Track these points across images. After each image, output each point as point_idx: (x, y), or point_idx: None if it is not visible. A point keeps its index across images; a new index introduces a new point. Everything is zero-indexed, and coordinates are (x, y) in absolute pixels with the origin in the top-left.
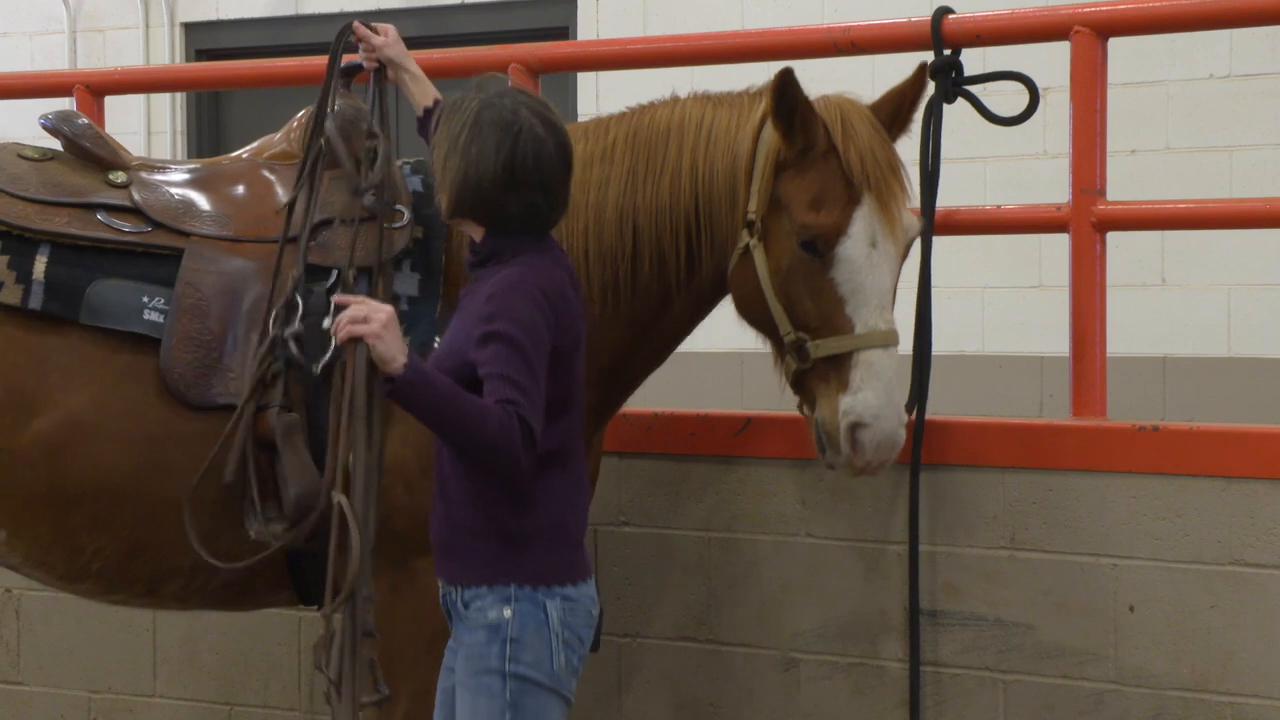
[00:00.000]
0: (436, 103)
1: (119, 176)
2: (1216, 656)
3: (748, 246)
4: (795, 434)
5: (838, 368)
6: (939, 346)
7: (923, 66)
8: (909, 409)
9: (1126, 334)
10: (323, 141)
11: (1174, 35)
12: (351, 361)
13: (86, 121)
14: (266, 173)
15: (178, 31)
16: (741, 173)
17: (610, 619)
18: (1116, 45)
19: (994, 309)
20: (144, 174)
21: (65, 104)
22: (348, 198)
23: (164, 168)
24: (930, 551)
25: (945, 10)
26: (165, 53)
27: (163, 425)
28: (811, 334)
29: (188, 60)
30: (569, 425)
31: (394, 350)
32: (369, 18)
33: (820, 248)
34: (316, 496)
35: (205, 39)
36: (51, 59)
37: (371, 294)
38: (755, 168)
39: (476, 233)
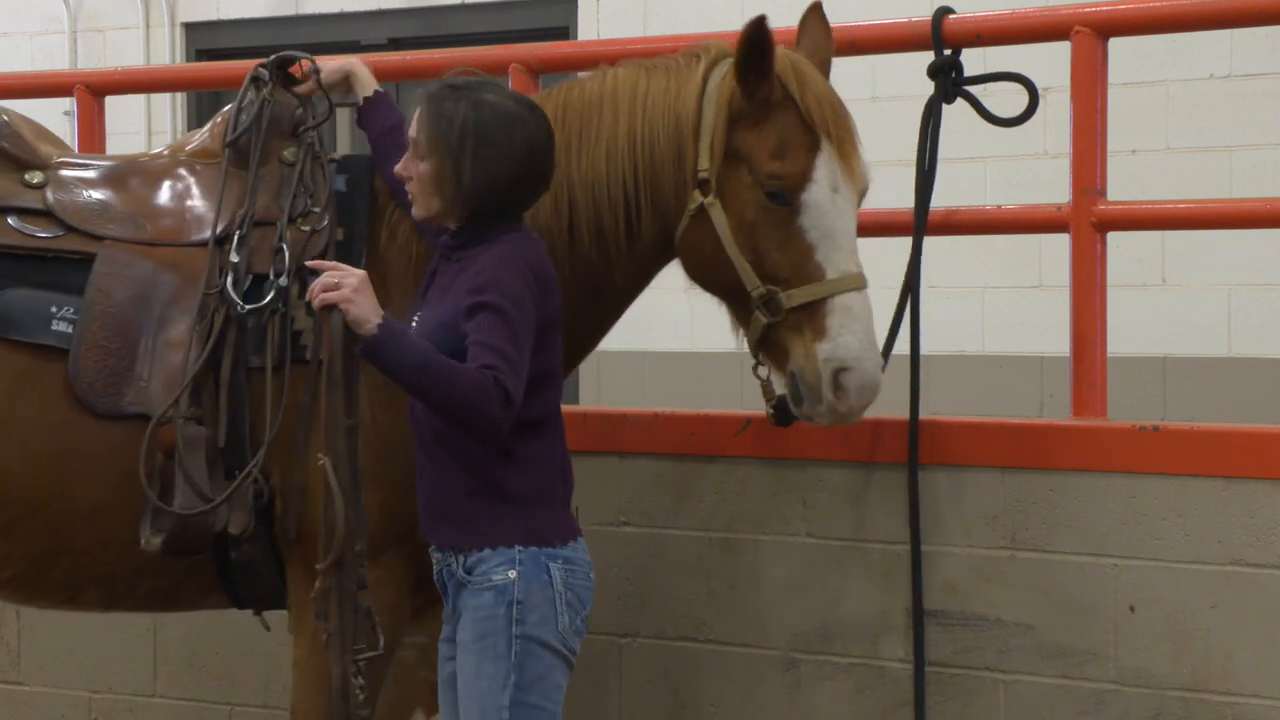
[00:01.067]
0: (377, 94)
1: (35, 177)
2: (1217, 657)
3: (702, 206)
4: (795, 434)
5: (811, 316)
6: (939, 346)
7: (814, 11)
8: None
9: (1127, 334)
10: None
11: (1174, 35)
12: (326, 329)
13: (5, 119)
14: (185, 171)
15: (178, 31)
16: (689, 132)
17: (610, 619)
18: (1116, 45)
19: (994, 309)
20: (62, 173)
21: (66, 104)
22: (270, 199)
23: (84, 165)
24: (930, 551)
25: (945, 10)
26: (165, 53)
27: (70, 434)
28: (781, 285)
29: (188, 60)
30: (553, 395)
31: (367, 312)
32: (369, 18)
33: (788, 196)
34: (201, 512)
35: (205, 39)
36: (52, 59)
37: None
38: (703, 125)
39: (455, 219)
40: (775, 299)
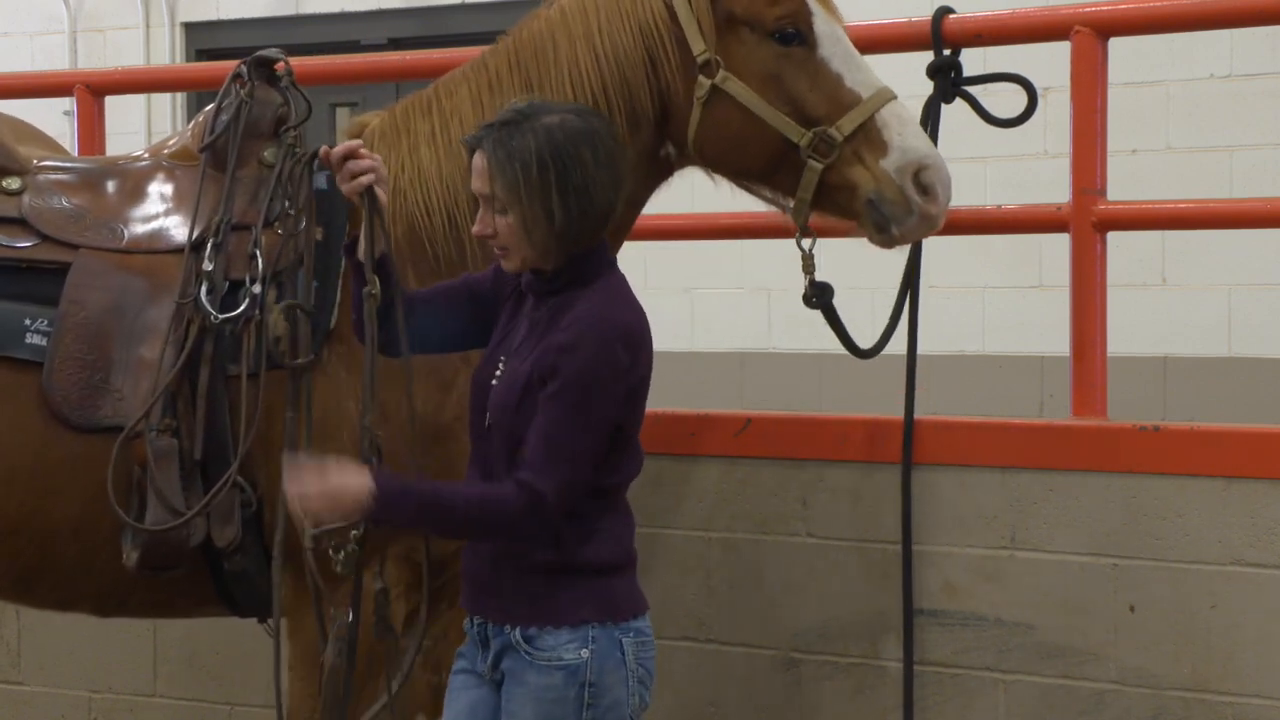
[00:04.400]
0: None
1: (13, 183)
2: (1217, 656)
3: (713, 87)
4: (795, 434)
5: (866, 138)
6: (939, 346)
7: None
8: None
9: (1127, 334)
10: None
11: (1174, 35)
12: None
13: None
14: (163, 175)
15: (178, 31)
16: (662, 29)
17: None
18: (1117, 45)
19: (994, 309)
20: (41, 177)
21: (66, 104)
22: (247, 203)
23: (63, 169)
24: (930, 551)
25: (946, 10)
26: (165, 53)
27: (48, 449)
28: (825, 122)
29: (188, 60)
30: (634, 456)
31: (349, 510)
32: (369, 18)
33: (802, 32)
34: (172, 527)
35: (205, 39)
36: (52, 59)
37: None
38: (680, 17)
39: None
40: (826, 137)
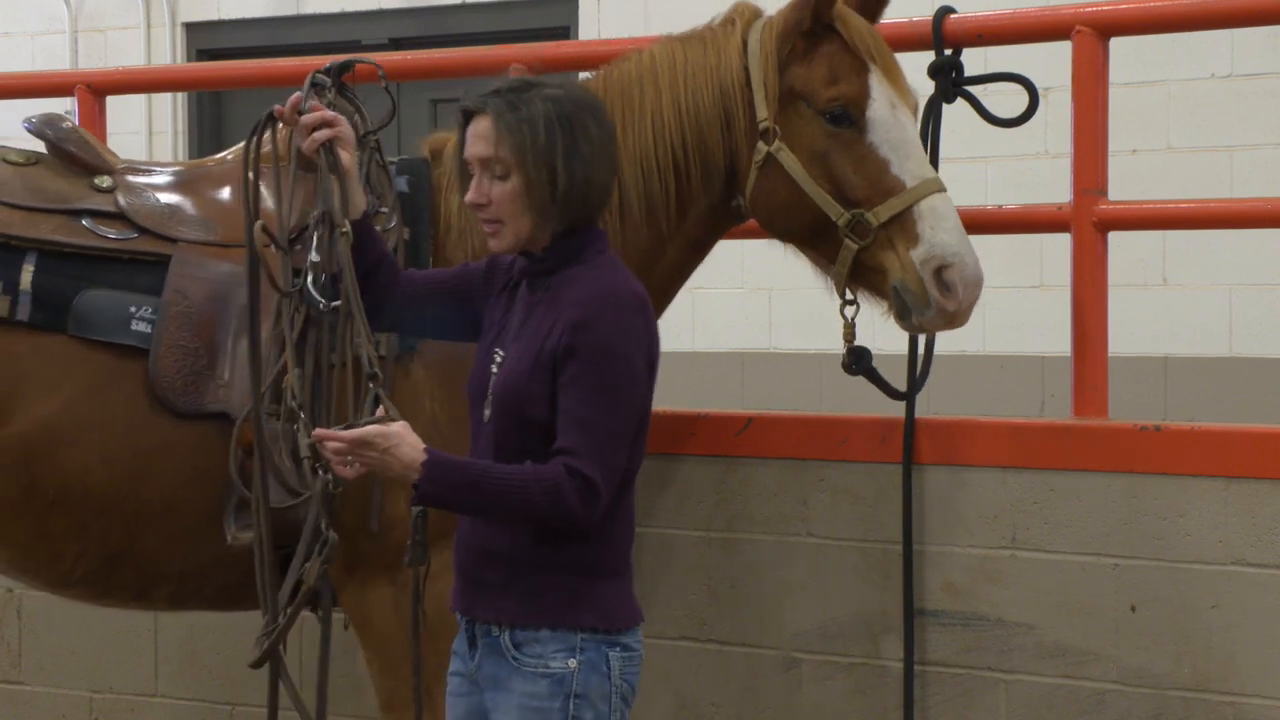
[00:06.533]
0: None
1: (104, 181)
2: (1218, 656)
3: (768, 155)
4: (796, 434)
5: (902, 227)
6: (939, 346)
7: None
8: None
9: (1128, 334)
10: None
11: (1175, 35)
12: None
13: (70, 125)
14: (250, 175)
15: (178, 31)
16: (737, 92)
17: None
18: (1117, 45)
19: (995, 309)
20: (129, 177)
21: (67, 104)
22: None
23: (149, 170)
24: (931, 551)
25: (947, 10)
26: (166, 53)
27: (147, 434)
28: (865, 205)
29: (188, 60)
30: (643, 445)
31: (403, 465)
32: (369, 18)
33: (853, 114)
34: (290, 506)
35: (206, 39)
36: (52, 59)
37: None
38: (753, 81)
39: (542, 239)
40: (862, 220)
